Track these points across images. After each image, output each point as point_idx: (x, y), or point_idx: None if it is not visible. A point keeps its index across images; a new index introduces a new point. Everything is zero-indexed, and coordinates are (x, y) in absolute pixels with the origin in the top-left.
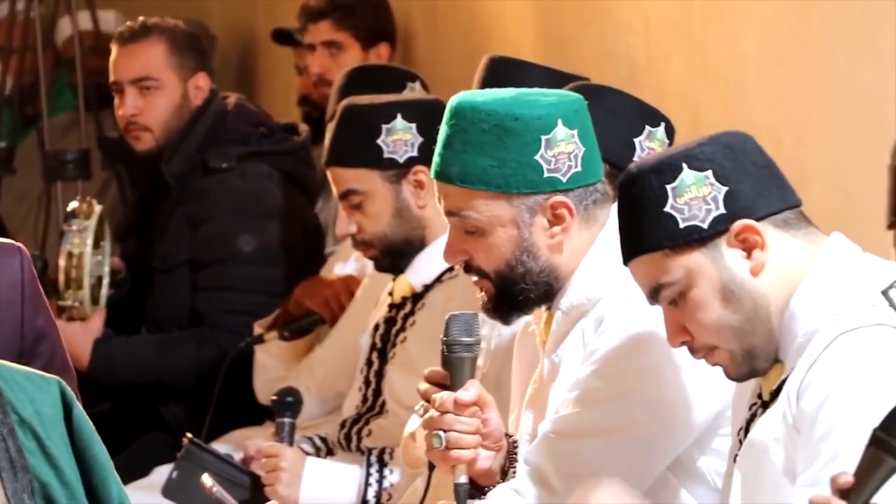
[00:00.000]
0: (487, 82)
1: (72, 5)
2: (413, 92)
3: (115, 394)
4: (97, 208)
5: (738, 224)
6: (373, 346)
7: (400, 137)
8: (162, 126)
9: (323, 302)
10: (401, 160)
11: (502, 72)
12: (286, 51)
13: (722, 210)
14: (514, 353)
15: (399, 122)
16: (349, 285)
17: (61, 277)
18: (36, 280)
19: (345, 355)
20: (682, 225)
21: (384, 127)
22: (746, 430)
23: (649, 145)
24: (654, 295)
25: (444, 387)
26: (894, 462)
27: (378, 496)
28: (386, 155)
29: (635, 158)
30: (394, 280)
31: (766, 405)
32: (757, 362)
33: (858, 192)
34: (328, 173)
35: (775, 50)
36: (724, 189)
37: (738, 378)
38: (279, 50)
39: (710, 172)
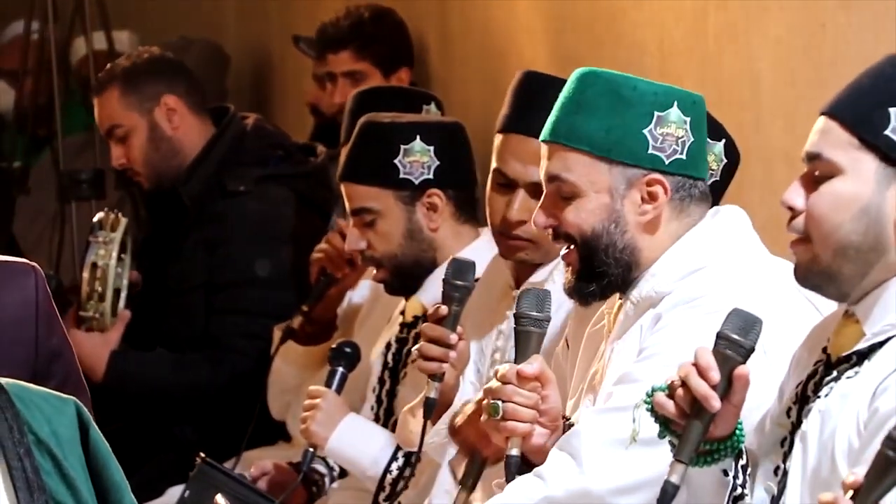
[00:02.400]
0: (520, 95)
1: (86, 26)
2: (429, 114)
3: (128, 411)
4: (123, 220)
5: None
6: (385, 366)
7: (417, 159)
8: (146, 163)
9: (317, 263)
10: (416, 181)
11: (536, 86)
12: (300, 66)
13: None
14: (585, 338)
15: (418, 143)
16: (331, 242)
17: (85, 288)
18: (50, 299)
19: (358, 372)
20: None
21: (403, 147)
22: (805, 388)
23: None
24: (810, 158)
25: (439, 321)
26: None
27: (395, 483)
28: (402, 175)
29: None
30: (405, 300)
31: (829, 366)
32: (827, 285)
33: None
34: (342, 187)
35: (789, 71)
36: None
37: (803, 278)
38: (294, 65)
39: None
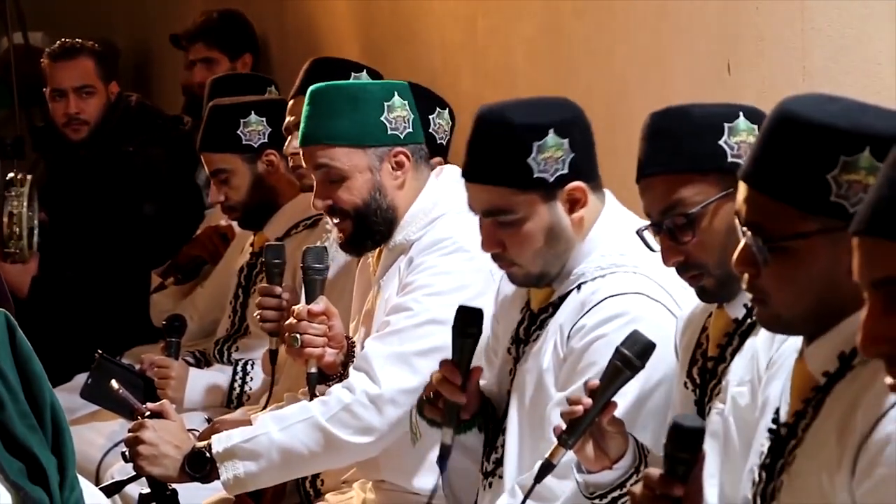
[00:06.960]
0: (310, 79)
1: (8, 27)
2: (271, 94)
3: (47, 319)
4: (28, 178)
5: (573, 184)
6: (239, 284)
7: (254, 129)
8: (95, 119)
9: (201, 246)
10: (255, 146)
11: (323, 70)
12: (175, 56)
13: (566, 171)
14: (357, 277)
15: (253, 117)
16: (217, 230)
17: (5, 231)
18: None
19: (219, 292)
20: (535, 175)
21: (242, 121)
22: (517, 333)
23: (440, 122)
24: (487, 215)
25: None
26: (629, 373)
27: (240, 395)
28: (244, 142)
29: (430, 131)
30: (254, 234)
31: (533, 316)
32: (543, 282)
33: (602, 163)
34: (201, 157)
35: (538, 62)
36: (573, 155)
37: (521, 286)
38: (169, 57)
39: (567, 141)
